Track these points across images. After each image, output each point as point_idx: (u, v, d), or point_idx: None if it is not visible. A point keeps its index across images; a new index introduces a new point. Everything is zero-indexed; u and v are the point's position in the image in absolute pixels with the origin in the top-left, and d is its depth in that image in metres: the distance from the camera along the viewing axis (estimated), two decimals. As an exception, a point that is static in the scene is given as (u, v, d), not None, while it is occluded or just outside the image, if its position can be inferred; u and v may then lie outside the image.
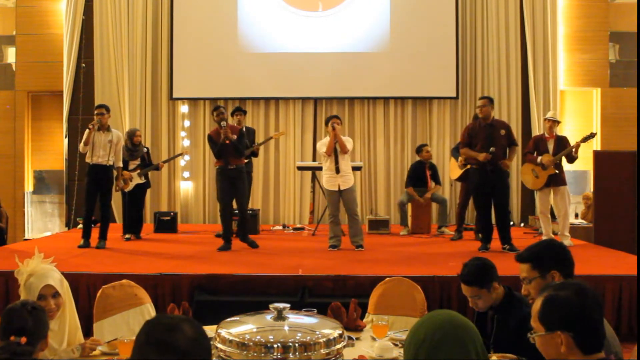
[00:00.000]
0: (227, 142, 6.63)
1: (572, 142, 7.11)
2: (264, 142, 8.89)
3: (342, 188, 6.66)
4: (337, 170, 6.62)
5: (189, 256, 6.35)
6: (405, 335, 2.88)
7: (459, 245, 7.33)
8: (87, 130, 6.76)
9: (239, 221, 7.04)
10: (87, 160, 6.81)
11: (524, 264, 2.60)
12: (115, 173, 7.02)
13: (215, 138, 6.75)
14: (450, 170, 8.26)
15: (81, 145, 6.81)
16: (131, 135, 7.82)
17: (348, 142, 6.74)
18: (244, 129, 7.35)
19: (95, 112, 6.84)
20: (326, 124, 6.80)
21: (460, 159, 7.75)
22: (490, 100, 6.73)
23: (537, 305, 1.83)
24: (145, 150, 8.02)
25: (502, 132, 6.58)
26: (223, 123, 6.65)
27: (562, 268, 2.53)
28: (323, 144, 6.76)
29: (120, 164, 7.03)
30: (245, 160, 7.23)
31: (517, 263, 2.65)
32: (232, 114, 7.98)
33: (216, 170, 6.89)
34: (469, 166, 7.55)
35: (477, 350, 1.47)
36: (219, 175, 6.82)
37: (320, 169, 9.10)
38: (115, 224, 9.30)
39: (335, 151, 6.62)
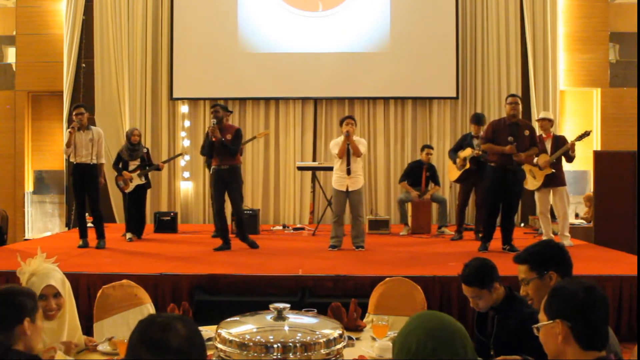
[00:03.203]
0: (214, 139, 6.57)
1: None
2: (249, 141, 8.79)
3: (350, 189, 6.63)
4: (349, 172, 6.59)
5: (189, 256, 6.34)
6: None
7: (459, 245, 7.33)
8: (68, 133, 6.78)
9: (236, 222, 7.02)
10: (71, 159, 6.84)
11: (522, 264, 2.61)
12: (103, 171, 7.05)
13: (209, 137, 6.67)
14: (449, 171, 8.26)
15: (64, 147, 6.86)
16: (129, 134, 7.81)
17: (361, 144, 6.66)
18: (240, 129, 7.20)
19: (75, 112, 6.82)
20: (340, 124, 6.73)
21: (458, 160, 7.75)
22: (520, 99, 6.67)
23: (545, 297, 1.85)
24: (145, 150, 8.00)
25: (527, 132, 6.45)
26: (213, 120, 6.62)
27: (560, 269, 2.54)
28: (336, 144, 6.70)
29: (103, 161, 7.01)
30: None
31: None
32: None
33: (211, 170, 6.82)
34: (467, 166, 7.57)
35: (466, 350, 1.47)
36: (213, 175, 6.78)
37: (320, 169, 9.18)
38: (115, 224, 9.33)
39: (348, 152, 6.58)
